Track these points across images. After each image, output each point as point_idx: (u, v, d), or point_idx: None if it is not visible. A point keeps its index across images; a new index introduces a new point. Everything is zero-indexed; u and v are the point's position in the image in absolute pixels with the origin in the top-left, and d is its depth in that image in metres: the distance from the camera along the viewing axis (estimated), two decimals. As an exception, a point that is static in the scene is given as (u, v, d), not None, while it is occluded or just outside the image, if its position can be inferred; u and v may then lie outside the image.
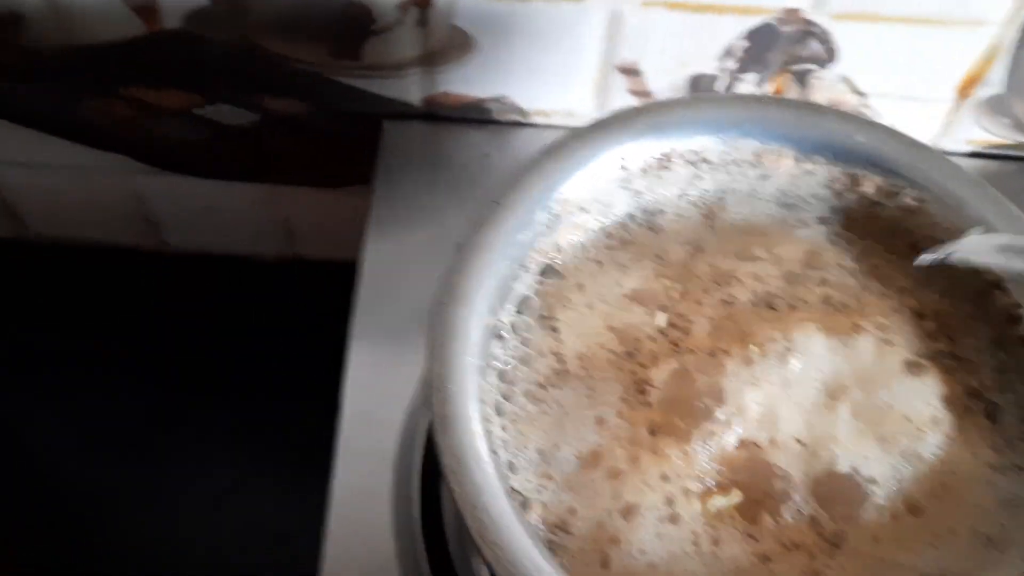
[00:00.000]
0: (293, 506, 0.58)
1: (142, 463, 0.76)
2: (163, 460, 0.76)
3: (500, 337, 0.37)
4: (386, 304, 0.51)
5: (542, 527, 0.34)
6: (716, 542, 0.33)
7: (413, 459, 0.48)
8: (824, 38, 0.49)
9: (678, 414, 0.35)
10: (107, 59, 0.53)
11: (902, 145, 0.39)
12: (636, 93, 0.53)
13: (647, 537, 0.33)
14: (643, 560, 0.33)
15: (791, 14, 0.48)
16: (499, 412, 0.36)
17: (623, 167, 0.39)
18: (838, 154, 0.39)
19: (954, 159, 0.56)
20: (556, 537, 0.34)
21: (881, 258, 0.40)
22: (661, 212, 0.41)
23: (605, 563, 0.33)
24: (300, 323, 0.73)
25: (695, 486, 0.34)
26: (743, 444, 0.34)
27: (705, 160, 0.40)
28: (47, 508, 0.76)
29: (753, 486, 0.34)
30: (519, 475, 0.35)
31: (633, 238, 0.40)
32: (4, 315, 0.75)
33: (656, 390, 0.35)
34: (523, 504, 0.34)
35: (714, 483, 0.34)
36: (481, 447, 0.33)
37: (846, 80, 0.52)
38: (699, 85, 0.53)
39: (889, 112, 0.54)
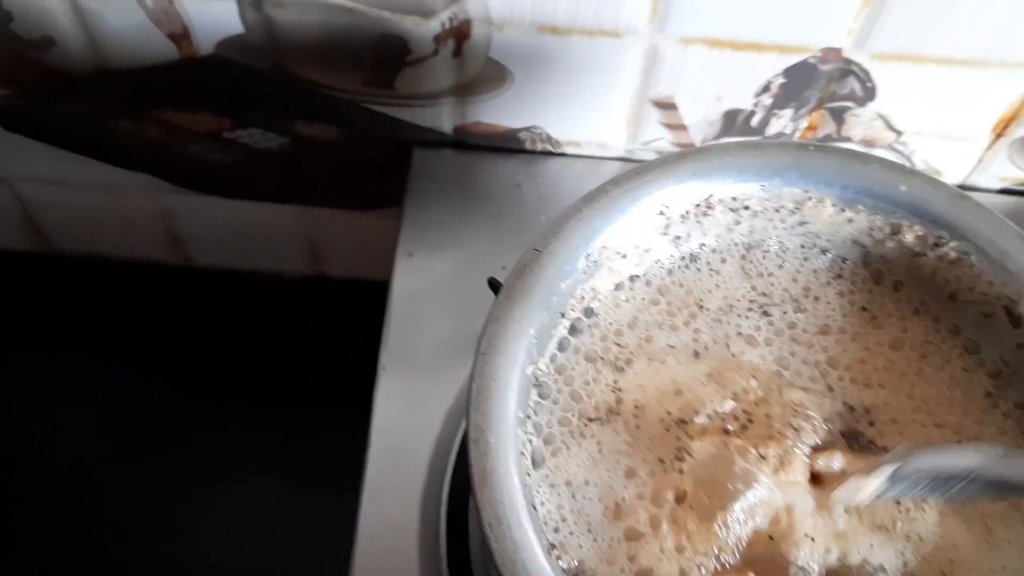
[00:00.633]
0: (319, 532, 0.58)
1: (163, 478, 0.76)
2: (184, 476, 0.75)
3: (539, 384, 0.37)
4: (414, 333, 0.51)
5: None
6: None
7: (440, 494, 0.48)
8: (864, 77, 0.49)
9: (707, 490, 0.34)
10: (140, 83, 0.53)
11: (946, 196, 0.39)
12: (670, 126, 0.53)
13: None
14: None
15: (831, 53, 0.48)
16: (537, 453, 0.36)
17: (663, 213, 0.39)
18: (880, 203, 0.39)
19: (986, 196, 0.56)
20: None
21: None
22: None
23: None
24: (325, 340, 0.73)
25: (711, 563, 0.34)
26: (762, 532, 0.34)
27: (746, 207, 0.40)
28: (68, 519, 0.76)
29: (768, 573, 0.34)
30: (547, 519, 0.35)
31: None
32: (27, 328, 0.75)
33: (693, 460, 0.35)
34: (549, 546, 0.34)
35: (729, 563, 0.34)
36: (520, 503, 0.32)
37: (882, 117, 0.52)
38: (734, 119, 0.52)
39: (924, 149, 0.54)
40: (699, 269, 0.41)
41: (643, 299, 0.40)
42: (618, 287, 0.40)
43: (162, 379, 0.77)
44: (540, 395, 0.37)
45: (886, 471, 0.32)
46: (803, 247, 0.41)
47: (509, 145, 0.56)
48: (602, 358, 0.38)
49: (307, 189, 0.61)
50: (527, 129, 0.54)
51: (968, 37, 0.46)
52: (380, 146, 0.57)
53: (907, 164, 0.55)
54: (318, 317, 0.72)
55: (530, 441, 0.36)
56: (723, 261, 0.41)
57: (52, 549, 0.76)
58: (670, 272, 0.40)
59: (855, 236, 0.40)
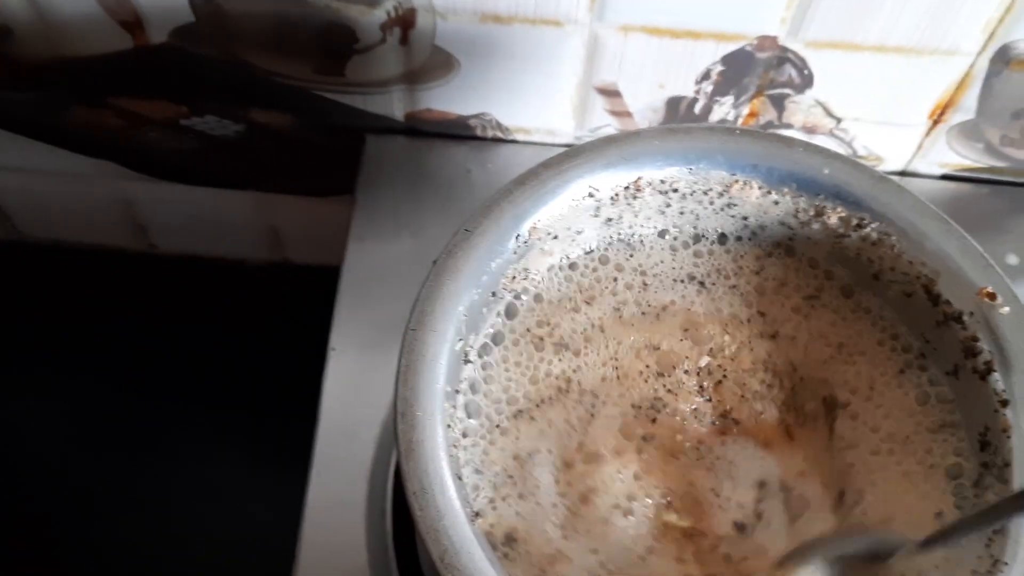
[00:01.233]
0: (274, 508, 0.59)
1: (126, 462, 0.77)
2: (144, 460, 0.77)
3: (469, 362, 0.38)
4: (364, 315, 0.52)
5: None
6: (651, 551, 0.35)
7: (387, 471, 0.49)
8: (800, 64, 0.50)
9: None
10: (95, 71, 0.54)
11: (868, 179, 0.40)
12: (615, 113, 0.54)
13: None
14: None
15: (767, 41, 0.49)
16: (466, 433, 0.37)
17: (592, 195, 0.40)
18: (804, 185, 0.40)
19: (927, 182, 0.58)
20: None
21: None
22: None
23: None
24: (287, 325, 0.74)
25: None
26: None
27: (675, 189, 0.41)
28: (30, 507, 0.77)
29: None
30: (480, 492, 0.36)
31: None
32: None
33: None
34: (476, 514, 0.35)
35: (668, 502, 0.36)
36: (445, 473, 0.34)
37: (821, 104, 0.53)
38: (677, 106, 0.53)
39: (864, 135, 0.55)
40: (633, 247, 0.42)
41: (584, 275, 0.41)
42: (552, 268, 0.41)
43: (127, 363, 0.78)
44: (484, 371, 0.38)
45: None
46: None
47: (460, 132, 0.57)
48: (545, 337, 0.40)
49: (264, 175, 0.62)
50: (477, 116, 0.56)
51: (898, 25, 0.47)
52: (334, 133, 0.58)
53: (849, 150, 0.56)
54: (281, 303, 0.73)
55: (461, 418, 0.37)
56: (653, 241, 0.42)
57: (16, 534, 0.77)
58: (606, 251, 0.42)
59: (781, 218, 0.41)
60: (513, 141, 0.57)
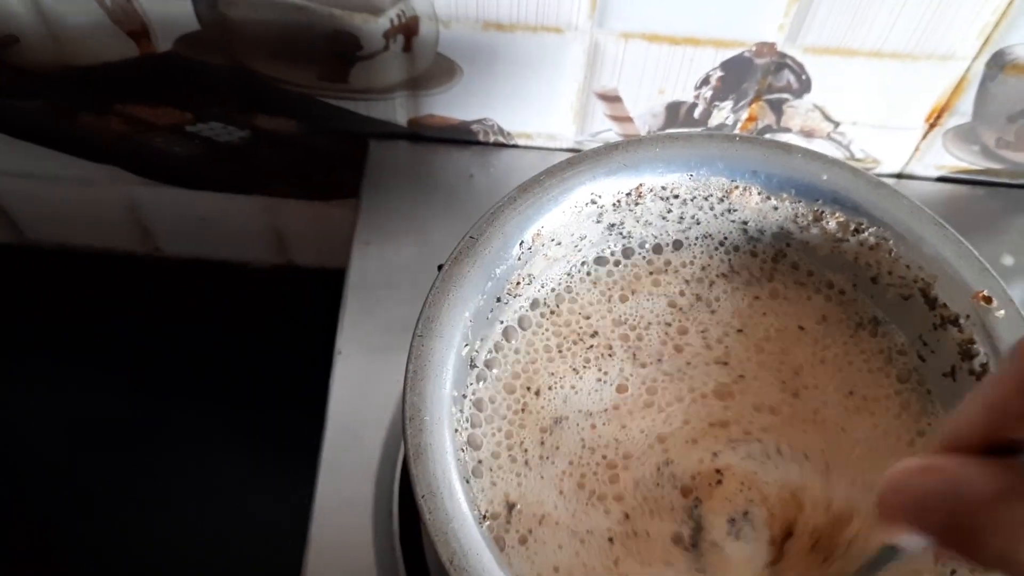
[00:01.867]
0: (282, 510, 0.60)
1: (131, 464, 0.77)
2: (150, 461, 0.77)
3: (475, 367, 0.39)
4: (370, 319, 0.53)
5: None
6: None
7: (393, 473, 0.50)
8: (798, 70, 0.51)
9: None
10: (102, 78, 0.54)
11: (865, 184, 0.41)
12: (615, 118, 0.55)
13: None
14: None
15: (765, 47, 0.49)
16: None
17: (594, 202, 0.40)
18: (803, 191, 0.41)
19: (924, 184, 0.58)
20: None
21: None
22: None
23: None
24: (291, 327, 0.75)
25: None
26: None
27: (675, 195, 0.41)
28: (37, 505, 0.78)
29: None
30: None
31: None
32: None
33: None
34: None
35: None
36: (453, 476, 0.34)
37: (819, 109, 0.54)
38: (677, 111, 0.54)
39: (861, 139, 0.56)
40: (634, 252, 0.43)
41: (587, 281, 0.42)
42: (555, 273, 0.42)
43: (132, 366, 0.79)
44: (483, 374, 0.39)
45: None
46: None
47: (462, 137, 0.58)
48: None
49: (269, 180, 0.63)
50: (479, 122, 0.56)
51: (895, 30, 0.48)
52: (338, 139, 0.58)
53: (846, 154, 0.57)
54: (285, 305, 0.74)
55: (468, 422, 0.38)
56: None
57: (18, 534, 0.77)
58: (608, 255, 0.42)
59: (781, 223, 0.42)
60: (515, 146, 0.58)
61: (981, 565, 0.21)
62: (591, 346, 0.41)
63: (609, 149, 0.41)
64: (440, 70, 0.52)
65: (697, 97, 0.53)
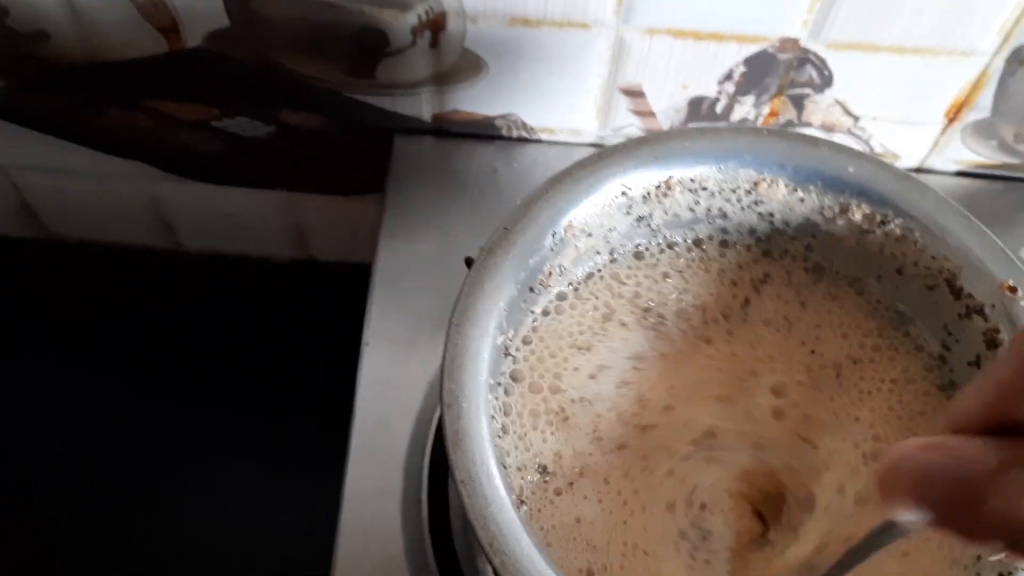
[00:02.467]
0: (306, 503, 0.60)
1: (156, 459, 0.78)
2: (175, 454, 0.78)
3: (509, 355, 0.39)
4: (396, 312, 0.54)
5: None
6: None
7: (422, 462, 0.50)
8: (820, 65, 0.51)
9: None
10: (130, 74, 0.55)
11: (891, 176, 0.41)
12: (638, 113, 0.55)
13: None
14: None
15: (789, 43, 0.50)
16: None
17: (624, 193, 0.41)
18: (829, 183, 0.42)
19: (942, 178, 0.59)
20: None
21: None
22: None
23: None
24: (312, 321, 0.75)
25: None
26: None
27: (704, 187, 0.42)
28: (58, 503, 0.79)
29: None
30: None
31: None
32: (23, 310, 0.77)
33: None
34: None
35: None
36: (490, 462, 0.35)
37: (840, 103, 0.54)
38: (699, 106, 0.55)
39: (881, 133, 0.56)
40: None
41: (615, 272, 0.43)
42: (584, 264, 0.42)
43: (155, 359, 0.79)
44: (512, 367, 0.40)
45: None
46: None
47: (486, 132, 0.58)
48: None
49: (292, 175, 0.64)
50: (503, 117, 0.57)
51: (916, 26, 0.49)
52: (362, 134, 0.59)
53: (865, 148, 0.58)
54: (305, 299, 0.75)
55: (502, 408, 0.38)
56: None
57: (40, 531, 0.78)
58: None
59: (807, 214, 0.42)
60: (538, 140, 0.59)
61: (976, 539, 0.21)
62: (617, 335, 0.42)
63: (639, 142, 0.41)
64: (466, 65, 0.53)
65: (720, 92, 0.54)
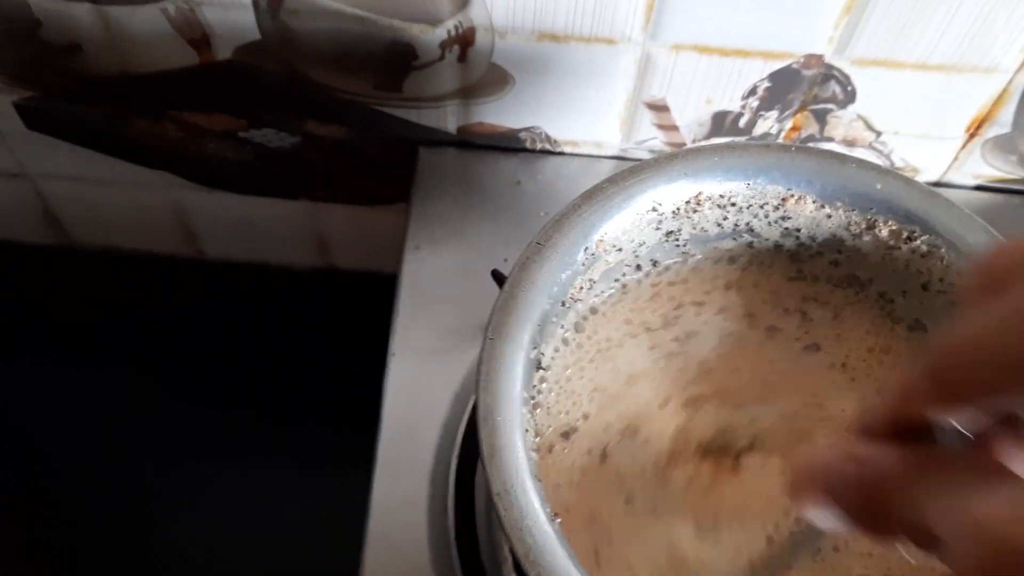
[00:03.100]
0: (331, 512, 0.61)
1: (178, 467, 0.78)
2: (196, 464, 0.78)
3: (542, 368, 0.40)
4: (422, 322, 0.54)
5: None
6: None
7: (448, 472, 0.51)
8: (844, 81, 0.52)
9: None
10: (160, 86, 0.56)
11: (918, 193, 0.42)
12: (662, 127, 0.56)
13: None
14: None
15: (814, 59, 0.51)
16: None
17: (655, 209, 0.42)
18: (856, 200, 0.42)
19: (961, 192, 0.59)
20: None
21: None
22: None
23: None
24: (333, 329, 0.76)
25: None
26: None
27: (732, 203, 0.43)
28: (78, 505, 0.79)
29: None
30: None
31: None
32: (46, 318, 0.78)
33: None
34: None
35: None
36: (525, 475, 0.35)
37: (862, 118, 0.55)
38: (722, 120, 0.55)
39: (902, 148, 0.57)
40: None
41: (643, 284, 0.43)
42: (613, 278, 0.43)
43: (178, 367, 0.80)
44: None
45: None
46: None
47: (510, 144, 0.59)
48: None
49: (317, 186, 0.64)
50: (527, 129, 0.57)
51: (941, 44, 0.49)
52: (387, 145, 0.59)
53: (886, 162, 0.58)
54: (327, 307, 0.75)
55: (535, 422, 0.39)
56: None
57: (71, 533, 0.78)
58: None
59: (833, 230, 0.43)
60: (561, 153, 0.59)
61: (884, 538, 0.23)
62: (644, 347, 0.42)
63: (670, 158, 0.42)
64: (492, 79, 0.53)
65: (743, 107, 0.54)
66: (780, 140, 0.57)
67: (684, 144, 0.57)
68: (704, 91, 0.53)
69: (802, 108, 0.54)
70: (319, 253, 0.71)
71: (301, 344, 0.77)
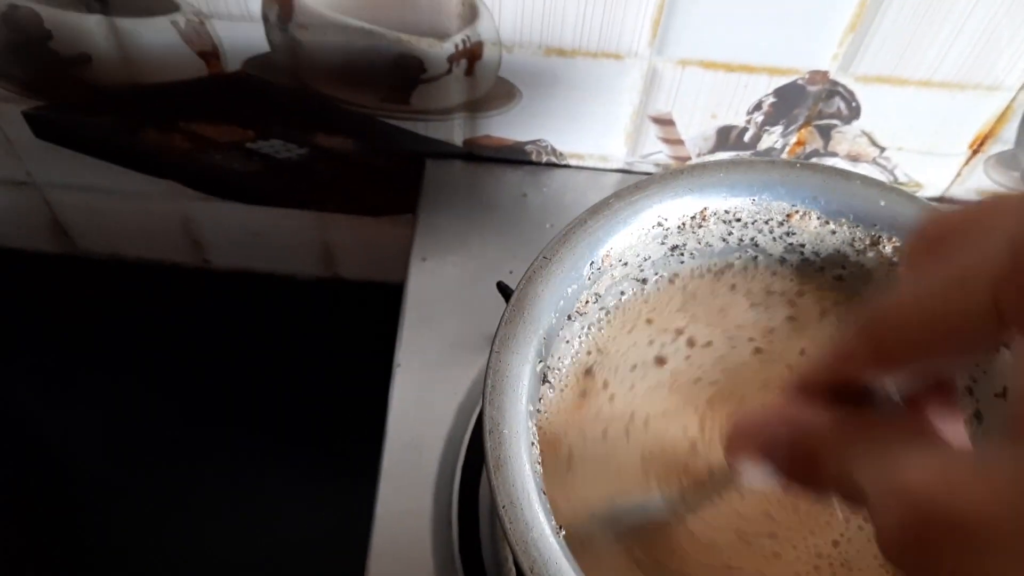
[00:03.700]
0: (335, 522, 0.61)
1: (183, 476, 0.79)
2: (199, 472, 0.78)
3: (547, 382, 0.40)
4: (427, 333, 0.54)
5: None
6: None
7: (452, 483, 0.51)
8: (849, 97, 0.52)
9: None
10: (170, 96, 0.56)
11: (923, 210, 0.42)
12: (667, 141, 0.56)
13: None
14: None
15: (818, 75, 0.51)
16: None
17: (660, 224, 0.42)
18: (861, 216, 0.42)
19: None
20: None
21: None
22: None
23: None
24: (338, 339, 0.76)
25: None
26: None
27: (737, 219, 0.43)
28: (93, 509, 0.79)
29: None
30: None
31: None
32: (53, 325, 0.78)
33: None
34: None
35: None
36: (531, 487, 0.36)
37: (867, 134, 0.55)
38: (727, 135, 0.56)
39: (906, 163, 0.57)
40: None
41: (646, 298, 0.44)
42: (618, 293, 0.43)
43: (183, 375, 0.80)
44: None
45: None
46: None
47: (516, 157, 0.59)
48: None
49: (324, 197, 0.65)
50: (533, 142, 0.58)
51: (944, 62, 0.49)
52: (394, 157, 0.60)
53: (890, 178, 0.58)
54: (331, 317, 0.76)
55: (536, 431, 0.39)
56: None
57: (77, 539, 0.79)
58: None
59: (837, 246, 0.43)
60: (567, 166, 0.60)
61: (816, 492, 0.24)
62: (650, 362, 0.43)
63: (676, 174, 0.42)
64: (499, 93, 0.54)
65: (748, 122, 0.54)
66: (784, 155, 0.57)
67: (689, 158, 0.58)
68: (709, 106, 0.53)
69: (807, 123, 0.55)
70: (325, 263, 0.72)
71: (306, 354, 0.77)
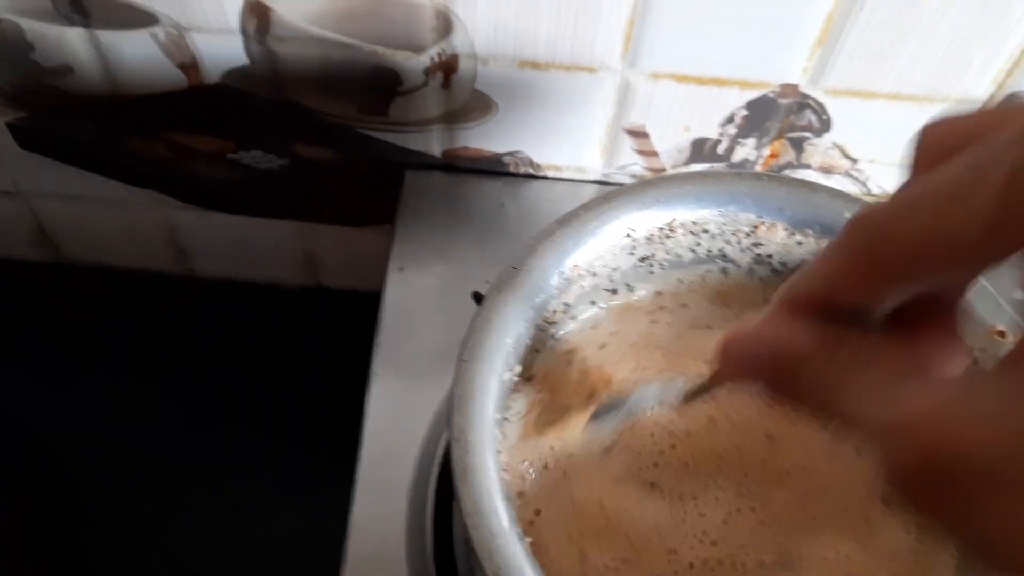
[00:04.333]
0: (311, 529, 0.61)
1: (165, 480, 0.79)
2: (182, 478, 0.79)
3: (515, 391, 0.41)
4: (403, 342, 0.55)
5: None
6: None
7: (427, 491, 0.52)
8: (819, 110, 0.53)
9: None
10: (151, 108, 0.57)
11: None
12: (642, 153, 0.57)
13: None
14: None
15: (789, 88, 0.52)
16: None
17: (629, 235, 0.43)
18: (827, 228, 0.43)
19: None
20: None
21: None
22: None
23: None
24: (319, 347, 0.77)
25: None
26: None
27: (705, 230, 0.44)
28: (71, 520, 0.80)
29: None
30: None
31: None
32: (36, 334, 0.79)
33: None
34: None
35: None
36: (496, 495, 0.36)
37: (839, 147, 0.56)
38: (702, 147, 0.56)
39: (878, 175, 0.58)
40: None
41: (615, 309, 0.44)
42: (587, 303, 0.44)
43: (165, 383, 0.80)
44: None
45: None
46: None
47: (494, 168, 0.60)
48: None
49: (305, 206, 0.65)
50: (511, 154, 0.59)
51: (912, 75, 0.50)
52: (373, 168, 0.61)
53: (863, 190, 0.59)
54: (313, 325, 0.76)
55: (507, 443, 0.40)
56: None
57: (55, 550, 0.79)
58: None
59: (805, 256, 0.44)
60: (544, 177, 0.60)
61: (798, 402, 0.24)
62: (620, 371, 0.43)
63: (644, 185, 0.43)
64: (476, 105, 0.54)
65: (722, 134, 0.55)
66: (758, 166, 0.58)
67: (664, 169, 0.58)
68: (682, 118, 0.54)
69: (779, 136, 0.55)
70: (306, 272, 0.72)
71: (287, 361, 0.78)
